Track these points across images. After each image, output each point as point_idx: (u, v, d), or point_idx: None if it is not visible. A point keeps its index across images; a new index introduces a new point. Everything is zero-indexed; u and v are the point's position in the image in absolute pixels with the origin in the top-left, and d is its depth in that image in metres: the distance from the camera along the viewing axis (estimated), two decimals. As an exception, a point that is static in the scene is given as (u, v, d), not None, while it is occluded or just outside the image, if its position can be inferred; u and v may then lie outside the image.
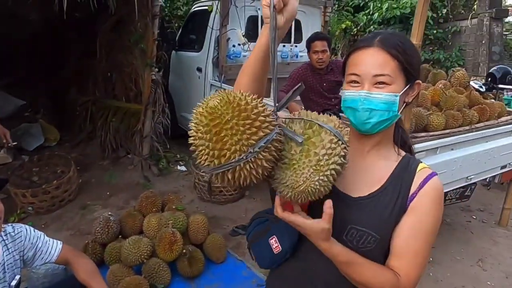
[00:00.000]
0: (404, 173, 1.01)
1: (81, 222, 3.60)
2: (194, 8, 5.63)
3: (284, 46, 5.24)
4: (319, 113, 0.89)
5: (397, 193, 0.98)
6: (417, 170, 1.01)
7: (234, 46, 4.74)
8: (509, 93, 4.87)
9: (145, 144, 4.70)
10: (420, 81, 1.03)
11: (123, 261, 2.62)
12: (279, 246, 1.00)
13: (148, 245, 2.64)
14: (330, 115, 0.89)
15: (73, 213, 3.76)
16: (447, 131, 2.81)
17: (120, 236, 2.92)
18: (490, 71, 5.42)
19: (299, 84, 0.90)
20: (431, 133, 2.74)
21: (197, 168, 4.17)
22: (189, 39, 5.54)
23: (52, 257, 1.93)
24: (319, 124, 0.83)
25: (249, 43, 4.65)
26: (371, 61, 0.95)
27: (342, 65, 1.06)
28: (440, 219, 1.00)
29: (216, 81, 4.69)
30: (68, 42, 5.72)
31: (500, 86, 4.92)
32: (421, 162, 1.05)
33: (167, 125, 4.92)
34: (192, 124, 0.79)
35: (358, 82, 0.97)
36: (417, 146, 2.57)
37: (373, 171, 1.03)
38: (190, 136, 0.80)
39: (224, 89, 0.82)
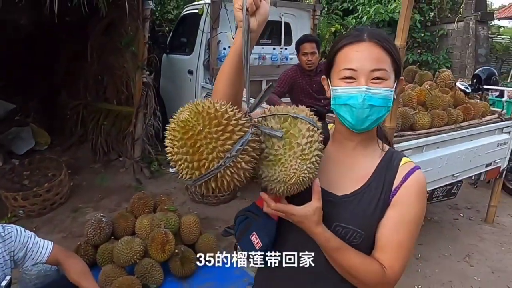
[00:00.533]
0: (387, 168, 1.02)
1: (73, 225, 3.59)
2: (185, 11, 5.66)
3: (274, 48, 5.30)
4: None
5: (380, 188, 1.00)
6: (400, 165, 1.02)
7: (224, 48, 4.79)
8: (494, 93, 4.98)
9: (136, 146, 4.70)
10: (403, 78, 1.05)
11: (115, 261, 2.63)
12: (260, 242, 1.01)
13: (141, 245, 2.65)
14: (312, 110, 0.93)
15: (65, 216, 3.75)
16: (433, 129, 2.89)
17: (112, 237, 2.93)
18: (475, 72, 5.54)
19: (270, 84, 0.91)
20: (417, 132, 2.81)
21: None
22: (180, 42, 5.55)
23: (43, 257, 1.94)
24: (292, 116, 0.86)
25: (239, 45, 4.68)
26: (367, 55, 0.93)
27: (328, 63, 1.03)
28: (423, 211, 1.02)
29: (207, 83, 4.72)
30: (59, 45, 5.71)
31: (485, 87, 5.03)
32: (405, 156, 1.06)
33: (159, 128, 4.91)
34: (167, 141, 0.80)
35: (353, 78, 0.94)
36: (403, 144, 2.64)
37: (358, 168, 1.03)
38: (168, 152, 0.80)
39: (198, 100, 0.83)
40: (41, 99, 6.00)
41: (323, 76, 1.05)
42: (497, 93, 4.99)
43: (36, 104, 5.92)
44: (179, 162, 0.78)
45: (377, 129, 1.09)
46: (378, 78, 0.93)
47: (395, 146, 2.57)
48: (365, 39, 0.95)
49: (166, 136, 0.81)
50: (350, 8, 10.20)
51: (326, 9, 10.27)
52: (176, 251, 2.70)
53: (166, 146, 0.81)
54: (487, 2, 12.66)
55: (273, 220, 1.02)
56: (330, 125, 1.14)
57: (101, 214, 2.98)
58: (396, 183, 1.00)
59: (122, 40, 4.55)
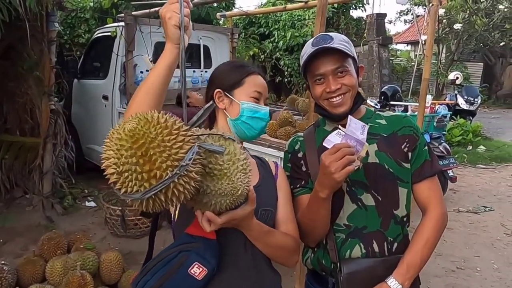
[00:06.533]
0: (261, 162, 1.30)
1: (-33, 278, 3.06)
2: (97, 34, 5.38)
3: (194, 71, 5.24)
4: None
5: (268, 175, 1.26)
6: (267, 160, 1.34)
7: (142, 72, 4.61)
8: (399, 108, 5.46)
9: (45, 181, 4.25)
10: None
11: (21, 316, 2.28)
12: (205, 268, 0.98)
13: (52, 293, 2.34)
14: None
15: (-44, 268, 3.19)
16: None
17: (17, 288, 2.55)
18: (382, 90, 6.07)
19: (210, 102, 0.97)
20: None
21: (108, 202, 3.88)
22: (92, 66, 5.26)
23: None
24: (220, 135, 0.94)
25: (158, 69, 4.55)
26: (264, 84, 1.24)
27: (234, 83, 1.21)
28: None
29: (125, 108, 4.47)
30: None
31: (392, 102, 5.52)
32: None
33: (72, 159, 4.54)
34: (111, 152, 0.75)
35: (258, 99, 1.21)
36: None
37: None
38: (110, 166, 0.76)
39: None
40: None
41: (218, 90, 1.21)
42: (402, 108, 5.48)
43: None
44: (126, 174, 0.74)
45: None
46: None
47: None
48: (259, 71, 1.26)
49: (107, 148, 0.76)
50: (266, 33, 10.61)
51: (243, 34, 10.56)
52: (96, 294, 2.42)
53: (108, 159, 0.76)
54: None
55: (213, 239, 1.02)
56: None
57: (2, 262, 2.59)
58: (273, 171, 1.30)
59: (24, 65, 4.13)
